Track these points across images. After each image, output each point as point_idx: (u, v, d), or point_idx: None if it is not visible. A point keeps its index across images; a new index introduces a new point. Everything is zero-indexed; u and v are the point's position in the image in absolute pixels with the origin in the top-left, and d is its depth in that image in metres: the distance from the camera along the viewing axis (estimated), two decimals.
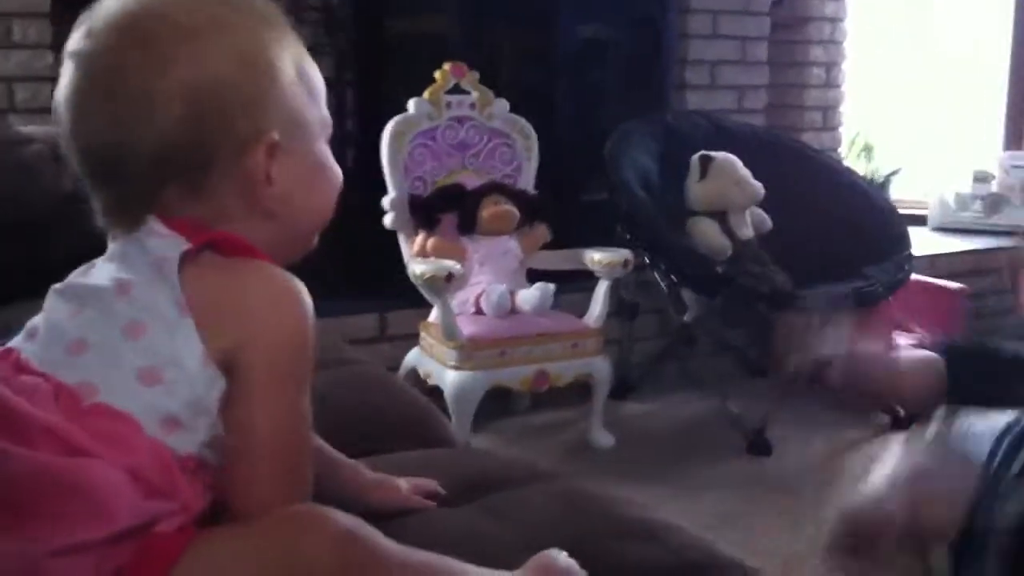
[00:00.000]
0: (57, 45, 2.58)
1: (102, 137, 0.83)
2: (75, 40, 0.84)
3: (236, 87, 0.83)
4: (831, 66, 3.91)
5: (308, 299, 0.85)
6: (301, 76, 0.89)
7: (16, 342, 0.85)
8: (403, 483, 1.09)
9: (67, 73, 0.84)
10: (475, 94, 2.84)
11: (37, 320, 0.86)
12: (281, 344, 0.83)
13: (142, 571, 0.75)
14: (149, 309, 0.81)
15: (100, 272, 0.86)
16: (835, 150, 3.94)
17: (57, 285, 0.88)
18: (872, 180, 4.08)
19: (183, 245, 0.82)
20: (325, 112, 0.92)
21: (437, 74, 2.80)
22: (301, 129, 0.88)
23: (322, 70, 0.94)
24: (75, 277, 0.88)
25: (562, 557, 0.93)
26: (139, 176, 0.83)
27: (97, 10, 0.84)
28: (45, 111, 2.54)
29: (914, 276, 3.12)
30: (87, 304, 0.84)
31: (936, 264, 3.73)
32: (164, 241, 0.83)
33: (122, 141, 0.82)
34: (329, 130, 0.93)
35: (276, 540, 0.78)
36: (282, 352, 0.83)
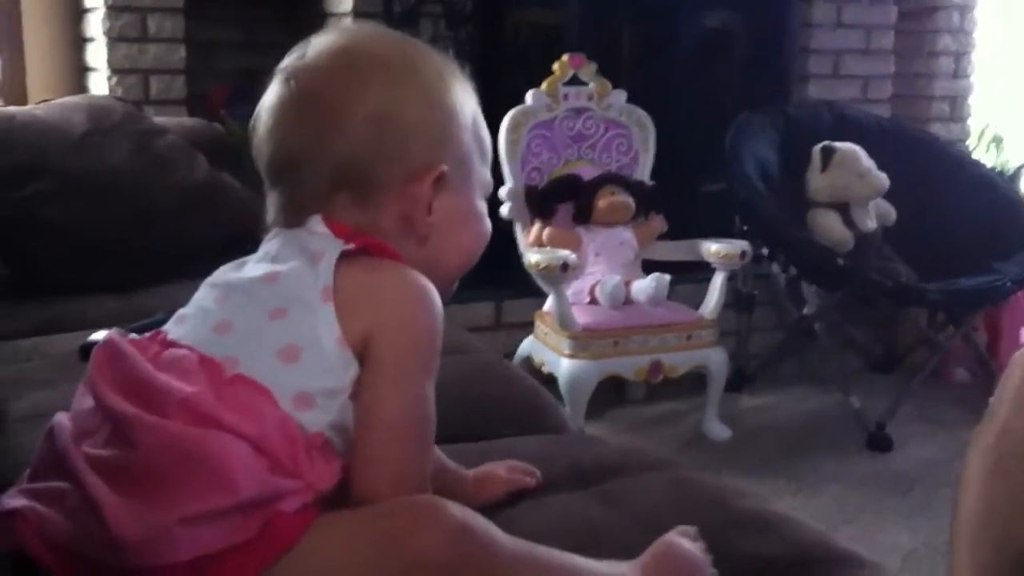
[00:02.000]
0: (190, 39, 2.68)
1: (294, 142, 0.91)
2: (289, 59, 0.94)
3: (419, 120, 0.92)
4: (960, 55, 3.78)
5: (439, 300, 0.90)
6: (475, 130, 0.98)
7: (166, 327, 0.91)
8: (501, 468, 1.12)
9: (275, 86, 0.94)
10: (593, 85, 2.84)
11: (186, 308, 0.92)
12: (411, 334, 0.88)
13: (263, 548, 0.78)
14: (294, 296, 0.87)
15: (252, 267, 0.92)
16: (963, 141, 3.82)
17: (209, 278, 0.94)
18: (1002, 172, 3.94)
19: (343, 245, 0.88)
20: (489, 175, 1.00)
21: (555, 65, 2.81)
22: (467, 173, 0.96)
23: None
24: (227, 271, 0.94)
25: (685, 543, 0.94)
26: (317, 180, 0.91)
27: (314, 40, 0.95)
28: (178, 103, 2.66)
29: None
30: (235, 291, 0.90)
31: None
32: (323, 239, 0.89)
33: (311, 148, 0.90)
34: (489, 191, 1.00)
35: (392, 531, 0.80)
36: (411, 342, 0.88)
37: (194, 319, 0.89)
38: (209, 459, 0.78)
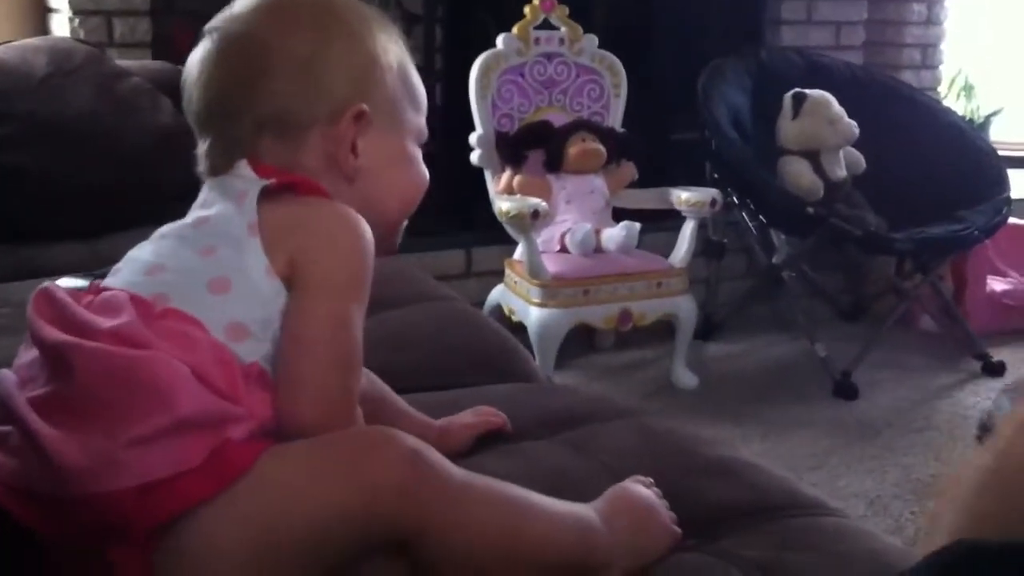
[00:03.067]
0: None
1: (219, 87, 0.93)
2: (215, 19, 0.96)
3: (340, 60, 0.94)
4: (932, 2, 3.78)
5: (367, 230, 0.91)
6: (403, 75, 0.99)
7: (104, 280, 0.91)
8: (469, 415, 1.13)
9: (203, 43, 0.95)
10: (564, 29, 2.82)
11: (119, 263, 0.93)
12: (335, 254, 0.89)
13: (212, 475, 0.78)
14: (222, 233, 0.89)
15: (184, 218, 0.94)
16: (934, 89, 3.83)
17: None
18: (972, 120, 3.95)
19: (264, 182, 0.90)
20: (423, 123, 1.01)
21: (527, 9, 2.78)
22: (394, 117, 0.97)
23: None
24: (162, 229, 0.95)
25: (641, 488, 0.95)
26: (242, 124, 0.92)
27: None
28: (143, 46, 2.61)
29: (1012, 220, 3.04)
30: (165, 238, 0.92)
31: None
32: (246, 180, 0.91)
33: (235, 91, 0.93)
34: (423, 139, 1.01)
35: (348, 456, 0.81)
36: (335, 261, 0.89)
37: (127, 268, 0.91)
38: (147, 378, 0.78)
